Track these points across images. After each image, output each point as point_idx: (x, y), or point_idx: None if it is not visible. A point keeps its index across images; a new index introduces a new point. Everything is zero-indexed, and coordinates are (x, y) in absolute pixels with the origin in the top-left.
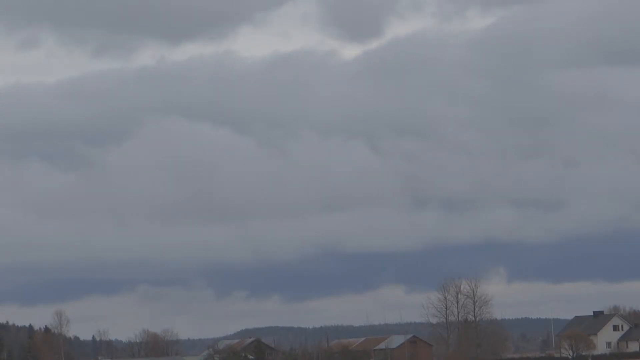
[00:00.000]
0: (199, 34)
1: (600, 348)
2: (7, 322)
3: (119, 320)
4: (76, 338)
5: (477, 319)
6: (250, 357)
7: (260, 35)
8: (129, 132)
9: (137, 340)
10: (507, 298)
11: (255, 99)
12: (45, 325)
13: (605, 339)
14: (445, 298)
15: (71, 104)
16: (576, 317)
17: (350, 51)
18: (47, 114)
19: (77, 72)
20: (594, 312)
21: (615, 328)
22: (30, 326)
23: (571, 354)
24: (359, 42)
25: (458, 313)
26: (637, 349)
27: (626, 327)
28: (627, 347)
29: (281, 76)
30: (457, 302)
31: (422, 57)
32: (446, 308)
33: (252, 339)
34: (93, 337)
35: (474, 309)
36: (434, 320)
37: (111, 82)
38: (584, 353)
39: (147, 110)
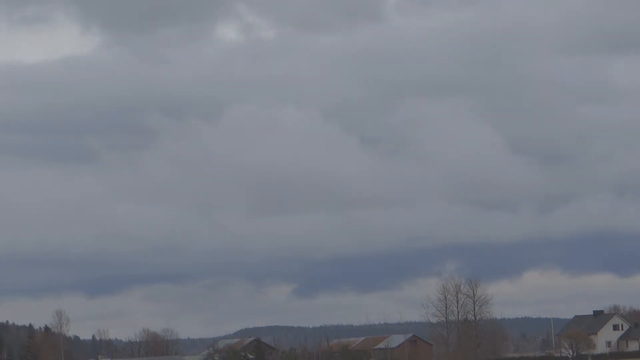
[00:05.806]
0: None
1: (600, 347)
2: (7, 322)
3: (119, 319)
4: (76, 338)
5: (477, 318)
6: (250, 356)
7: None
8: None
9: (137, 340)
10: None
11: None
12: (45, 325)
13: (605, 338)
14: (445, 297)
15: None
16: (576, 316)
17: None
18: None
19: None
20: (594, 311)
21: (615, 327)
22: (30, 326)
23: (571, 353)
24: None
25: (458, 312)
26: (637, 349)
27: (626, 327)
28: (627, 346)
29: None
30: (457, 302)
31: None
32: (446, 307)
33: (252, 339)
34: (93, 336)
35: (474, 308)
36: (434, 320)
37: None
38: (584, 352)
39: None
